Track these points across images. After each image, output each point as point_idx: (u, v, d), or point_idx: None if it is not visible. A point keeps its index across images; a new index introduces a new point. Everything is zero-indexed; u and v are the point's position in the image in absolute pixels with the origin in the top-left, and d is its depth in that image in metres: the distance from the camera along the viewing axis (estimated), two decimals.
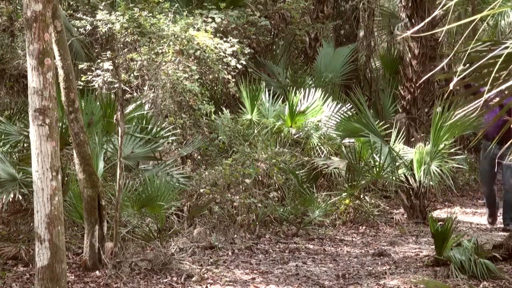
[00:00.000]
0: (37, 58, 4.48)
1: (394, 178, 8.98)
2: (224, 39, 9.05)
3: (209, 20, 9.31)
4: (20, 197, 6.34)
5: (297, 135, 9.46)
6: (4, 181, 6.36)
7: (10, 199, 6.38)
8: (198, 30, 8.83)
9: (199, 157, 8.94)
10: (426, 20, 9.31)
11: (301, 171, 8.81)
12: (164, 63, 8.52)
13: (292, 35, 11.83)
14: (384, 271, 6.40)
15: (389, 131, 9.54)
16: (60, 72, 5.47)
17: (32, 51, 4.48)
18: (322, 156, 9.20)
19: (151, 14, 8.79)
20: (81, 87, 7.81)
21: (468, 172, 11.23)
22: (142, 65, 8.57)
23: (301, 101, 9.67)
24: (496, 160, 8.23)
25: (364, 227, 8.50)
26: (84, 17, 9.41)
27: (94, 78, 8.52)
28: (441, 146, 8.58)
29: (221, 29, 9.46)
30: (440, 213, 9.19)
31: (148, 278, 5.87)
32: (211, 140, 9.00)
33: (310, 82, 10.95)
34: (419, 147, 8.87)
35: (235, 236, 7.48)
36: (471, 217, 9.55)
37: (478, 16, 3.20)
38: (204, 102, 8.73)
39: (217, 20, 9.39)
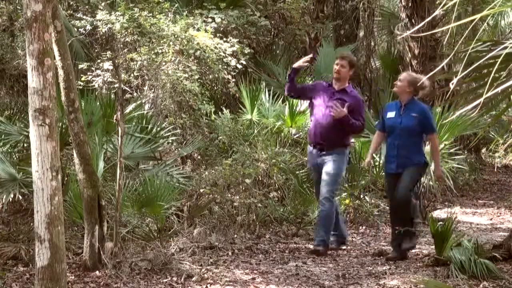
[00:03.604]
0: (37, 58, 4.47)
1: None
2: (224, 39, 9.05)
3: (209, 20, 9.31)
4: (20, 197, 6.34)
5: (297, 135, 9.45)
6: (4, 181, 6.36)
7: (10, 199, 6.38)
8: (198, 30, 8.82)
9: (199, 157, 8.93)
10: (426, 20, 9.31)
11: (301, 171, 8.80)
12: (164, 63, 8.51)
13: (292, 35, 11.83)
14: (384, 271, 6.40)
15: None
16: (60, 72, 5.47)
17: (32, 51, 4.48)
18: None
19: (151, 14, 8.78)
20: (81, 87, 7.80)
21: (468, 172, 11.22)
22: (142, 65, 8.56)
23: (301, 101, 9.66)
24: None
25: (364, 227, 8.49)
26: (84, 17, 9.41)
27: (94, 78, 8.51)
28: (441, 146, 8.58)
29: (221, 29, 9.46)
30: (440, 213, 9.18)
31: (148, 278, 5.86)
32: (211, 140, 8.99)
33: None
34: None
35: (235, 236, 7.47)
36: (471, 217, 9.56)
37: (478, 16, 3.20)
38: (204, 102, 8.72)
39: (217, 20, 9.38)
